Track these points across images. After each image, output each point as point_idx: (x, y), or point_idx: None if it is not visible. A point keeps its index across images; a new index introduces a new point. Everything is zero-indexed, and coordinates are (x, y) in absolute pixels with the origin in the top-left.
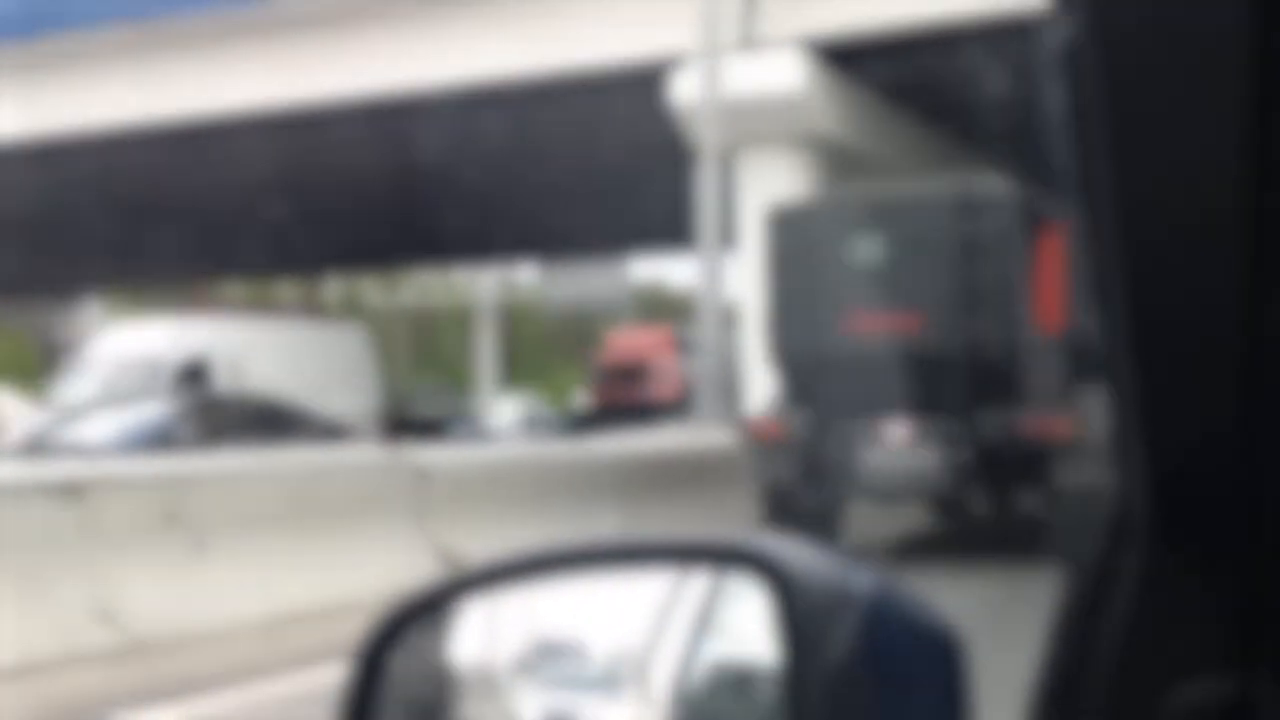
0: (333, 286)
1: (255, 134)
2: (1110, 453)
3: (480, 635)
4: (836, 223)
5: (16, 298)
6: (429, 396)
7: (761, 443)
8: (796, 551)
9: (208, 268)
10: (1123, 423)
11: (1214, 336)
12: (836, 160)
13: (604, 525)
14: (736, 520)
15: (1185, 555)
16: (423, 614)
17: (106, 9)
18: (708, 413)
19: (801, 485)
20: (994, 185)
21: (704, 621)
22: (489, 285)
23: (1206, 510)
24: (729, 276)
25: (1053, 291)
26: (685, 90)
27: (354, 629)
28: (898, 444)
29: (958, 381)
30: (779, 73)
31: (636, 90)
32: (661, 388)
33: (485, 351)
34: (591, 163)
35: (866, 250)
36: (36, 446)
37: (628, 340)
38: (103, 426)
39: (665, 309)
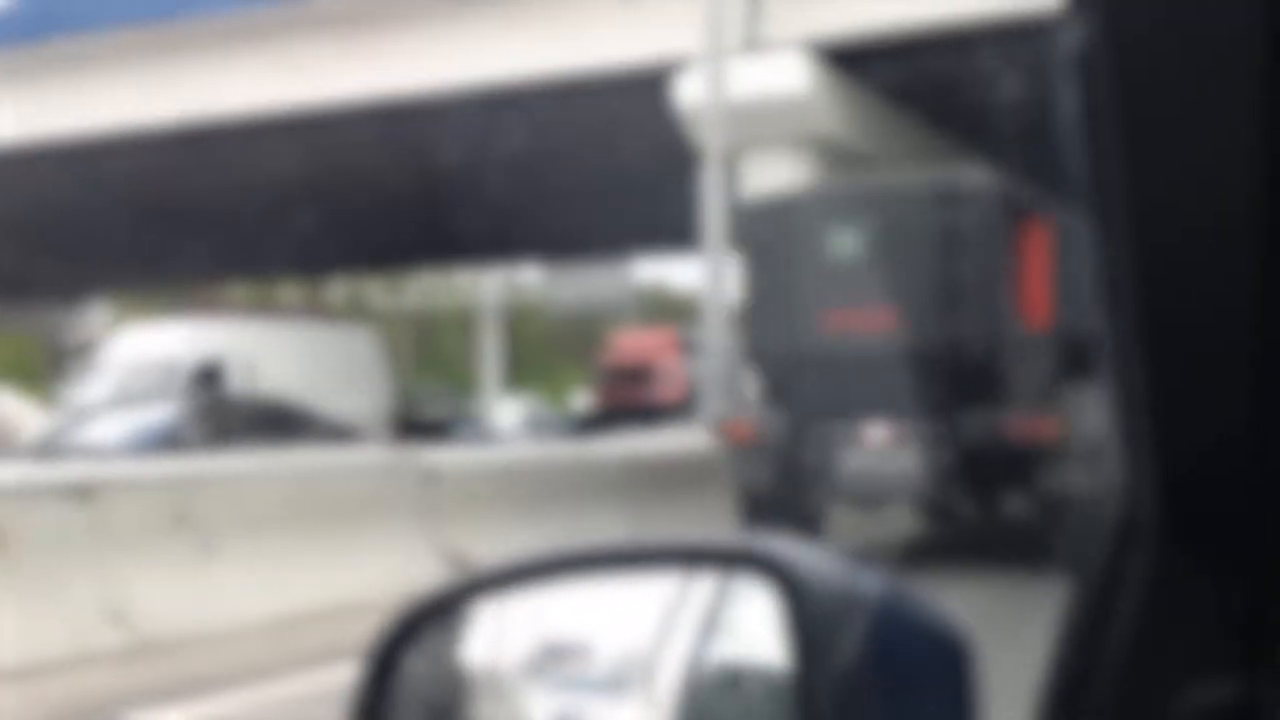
0: (337, 288)
1: (259, 136)
2: (1117, 453)
3: (490, 637)
4: (812, 216)
5: (23, 300)
6: (432, 398)
7: (737, 445)
8: (805, 554)
9: (214, 270)
10: (1132, 424)
11: (1225, 337)
12: (841, 162)
13: (609, 526)
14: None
15: (1194, 556)
16: (435, 616)
17: (113, 12)
18: (712, 414)
19: (779, 489)
20: (976, 176)
21: (711, 624)
22: (493, 287)
23: (1216, 512)
24: (733, 278)
25: (1038, 286)
26: (690, 92)
27: (362, 629)
28: (877, 446)
29: (939, 381)
30: (783, 75)
31: (641, 92)
32: (666, 389)
33: (489, 353)
34: (596, 164)
35: (844, 244)
36: (47, 448)
37: (632, 342)
38: (113, 428)
39: (668, 310)
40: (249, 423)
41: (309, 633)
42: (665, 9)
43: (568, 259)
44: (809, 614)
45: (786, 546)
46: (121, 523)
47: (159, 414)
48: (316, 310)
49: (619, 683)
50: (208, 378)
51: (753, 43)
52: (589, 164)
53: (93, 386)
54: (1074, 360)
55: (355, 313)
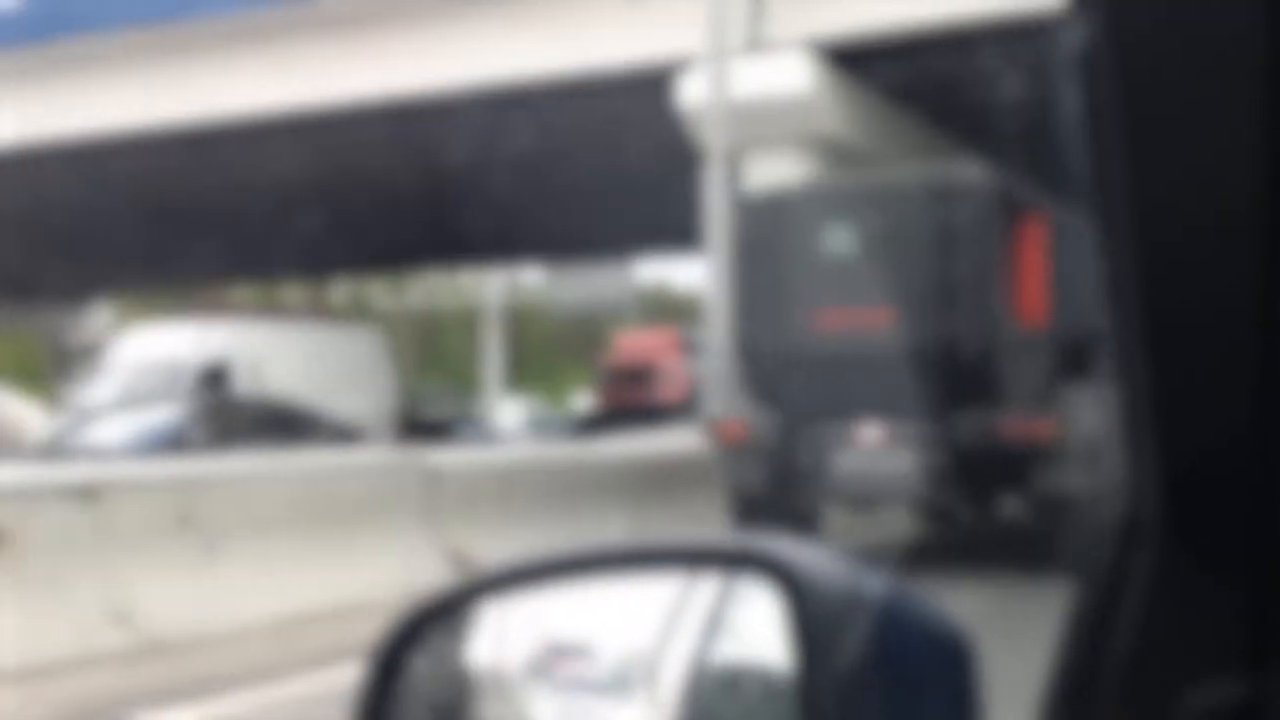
0: (339, 288)
1: (263, 137)
2: (1120, 452)
3: (494, 638)
4: (805, 212)
5: (27, 300)
6: (435, 398)
7: (728, 446)
8: (807, 554)
9: (217, 270)
10: (1136, 422)
11: (1228, 336)
12: (844, 162)
13: (612, 526)
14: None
15: (1198, 555)
16: (439, 617)
17: (118, 13)
18: (714, 415)
19: (770, 490)
20: (971, 172)
21: (714, 624)
22: (495, 287)
23: (1220, 510)
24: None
25: (1034, 284)
26: (692, 92)
27: (366, 629)
28: (870, 447)
29: (933, 380)
30: (786, 74)
31: (644, 92)
32: (668, 390)
33: (491, 353)
34: (598, 165)
35: (836, 241)
36: (53, 449)
37: (634, 342)
38: (118, 429)
39: (670, 310)
40: (254, 424)
41: (313, 633)
42: (668, 9)
43: (570, 259)
44: (812, 614)
45: (789, 547)
46: (126, 524)
47: (164, 415)
48: (320, 311)
49: (622, 683)
50: (214, 379)
51: (755, 43)
52: (591, 164)
53: (100, 387)
54: (1071, 359)
55: (358, 313)
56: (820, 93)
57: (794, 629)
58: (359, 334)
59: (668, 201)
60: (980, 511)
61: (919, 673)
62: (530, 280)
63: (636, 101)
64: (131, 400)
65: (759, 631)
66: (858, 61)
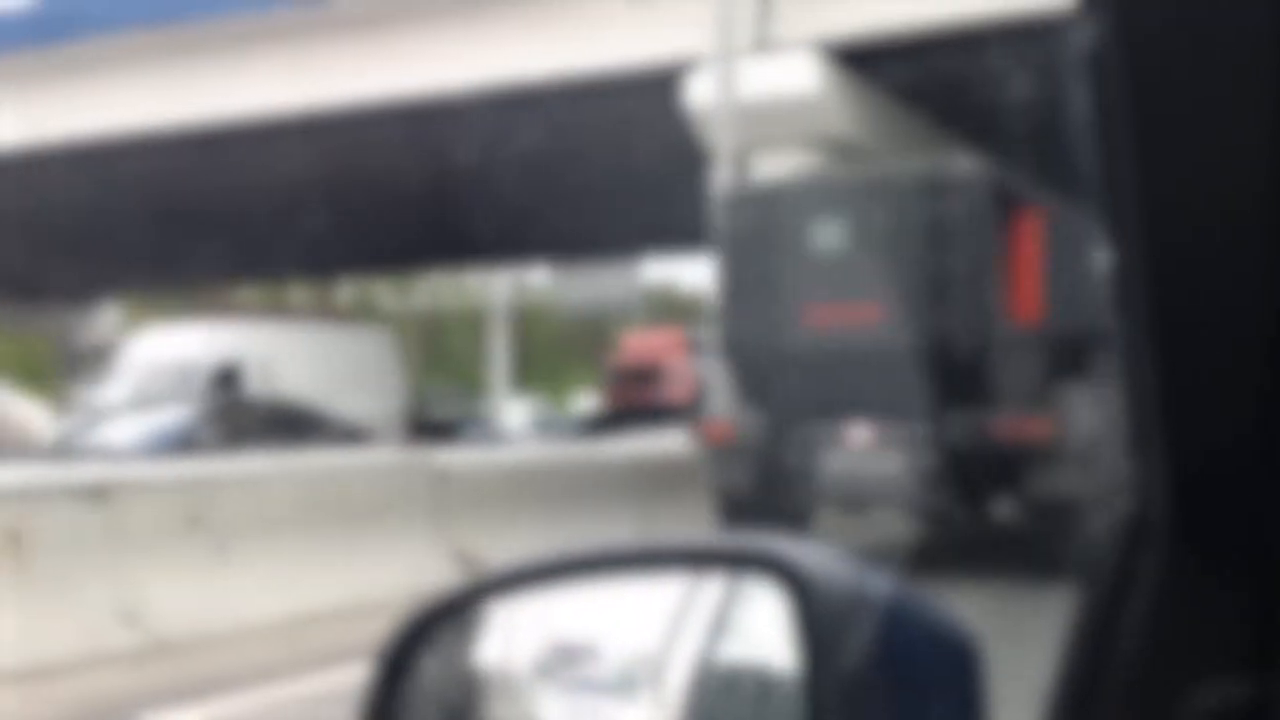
0: (345, 289)
1: (271, 138)
2: (1126, 452)
3: (501, 638)
4: (795, 207)
5: (35, 301)
6: (441, 399)
7: (714, 446)
8: (813, 555)
9: (225, 271)
10: (1143, 422)
11: (1236, 336)
12: (851, 162)
13: (619, 526)
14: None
15: (1204, 556)
16: (446, 617)
17: (128, 14)
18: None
19: (757, 492)
20: (965, 165)
21: (719, 625)
22: (501, 287)
23: (1226, 511)
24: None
25: (1029, 280)
26: (700, 92)
27: (374, 629)
28: (861, 447)
29: (926, 379)
30: (793, 75)
31: (651, 93)
32: (674, 390)
33: (497, 354)
34: (606, 165)
35: (827, 236)
36: (63, 449)
37: (640, 342)
38: (128, 429)
39: (677, 310)
40: (263, 424)
41: (321, 633)
42: (676, 10)
43: (576, 259)
44: (817, 615)
45: (794, 548)
46: (136, 524)
47: (174, 416)
48: (325, 311)
49: (629, 683)
50: (226, 380)
51: (763, 43)
52: (599, 164)
53: (112, 388)
54: (1067, 357)
55: (364, 314)
56: (828, 93)
57: (799, 629)
58: (368, 335)
59: (674, 202)
60: (974, 514)
61: (924, 673)
62: (536, 280)
63: (644, 102)
64: (144, 401)
65: (765, 632)
66: (866, 61)
